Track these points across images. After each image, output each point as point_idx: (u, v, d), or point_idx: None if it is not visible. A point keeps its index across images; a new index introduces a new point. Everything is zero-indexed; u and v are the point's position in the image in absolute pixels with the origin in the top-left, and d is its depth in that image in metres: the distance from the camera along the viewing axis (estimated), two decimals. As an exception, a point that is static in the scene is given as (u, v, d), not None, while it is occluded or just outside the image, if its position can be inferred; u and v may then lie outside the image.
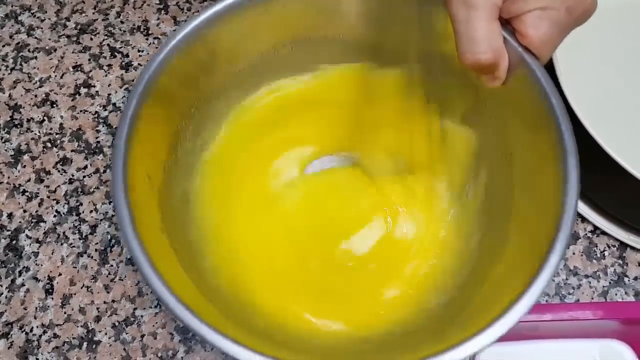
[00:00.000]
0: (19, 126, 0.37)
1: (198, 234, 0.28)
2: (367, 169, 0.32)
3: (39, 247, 0.34)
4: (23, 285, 0.33)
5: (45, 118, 0.37)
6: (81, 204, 0.35)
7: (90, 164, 0.36)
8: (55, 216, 0.35)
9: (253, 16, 0.26)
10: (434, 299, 0.28)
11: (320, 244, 0.31)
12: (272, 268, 0.30)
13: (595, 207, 0.34)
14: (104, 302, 0.32)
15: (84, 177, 0.36)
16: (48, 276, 0.33)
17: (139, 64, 0.39)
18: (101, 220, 0.34)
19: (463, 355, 0.19)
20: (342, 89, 0.31)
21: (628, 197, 0.32)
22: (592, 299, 0.33)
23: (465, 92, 0.28)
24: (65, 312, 0.32)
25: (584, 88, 0.33)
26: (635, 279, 0.33)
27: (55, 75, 0.39)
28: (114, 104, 0.38)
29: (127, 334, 0.32)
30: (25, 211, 0.35)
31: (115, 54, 0.39)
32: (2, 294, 0.33)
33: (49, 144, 0.37)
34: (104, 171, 0.36)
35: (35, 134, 0.37)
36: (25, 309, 0.32)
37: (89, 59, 0.39)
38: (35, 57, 0.39)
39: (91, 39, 0.40)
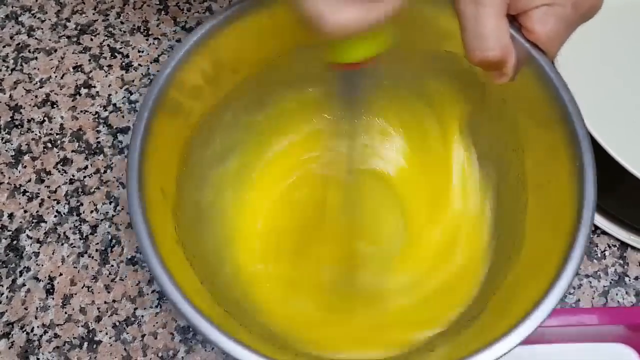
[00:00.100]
0: (19, 127, 0.37)
1: (212, 244, 0.28)
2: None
3: (40, 247, 0.34)
4: (24, 285, 0.33)
5: (45, 118, 0.37)
6: (82, 204, 0.35)
7: (91, 164, 0.36)
8: (55, 216, 0.35)
9: (257, 24, 0.26)
10: (448, 308, 0.27)
11: (338, 253, 0.31)
12: (287, 277, 0.30)
13: (595, 207, 0.34)
14: (105, 302, 0.32)
15: (85, 177, 0.36)
16: (49, 276, 0.33)
17: (139, 65, 0.39)
18: (102, 220, 0.34)
19: None
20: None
21: (629, 197, 0.32)
22: (593, 298, 0.33)
23: (469, 91, 0.28)
24: (66, 312, 0.32)
25: (585, 88, 0.33)
26: (636, 278, 0.33)
27: (56, 76, 0.39)
28: (115, 105, 0.38)
29: (127, 333, 0.32)
30: (25, 211, 0.35)
31: (116, 54, 0.39)
32: (2, 294, 0.33)
33: (49, 145, 0.37)
34: (105, 171, 0.36)
35: (35, 134, 0.37)
36: (26, 309, 0.32)
37: (89, 60, 0.39)
38: (36, 58, 0.39)
39: (91, 39, 0.40)
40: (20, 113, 0.38)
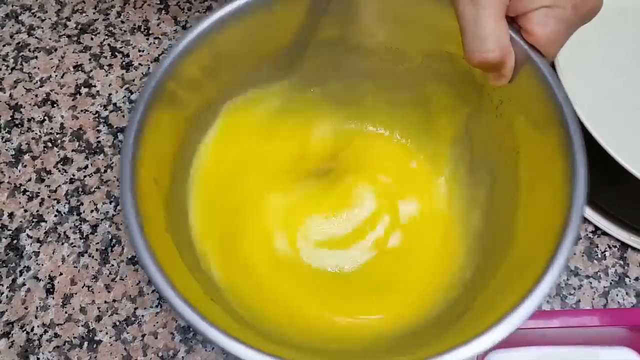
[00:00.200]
0: (19, 126, 0.37)
1: (200, 235, 0.28)
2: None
3: (40, 246, 0.34)
4: (24, 284, 0.33)
5: (45, 118, 0.37)
6: (82, 204, 0.35)
7: (91, 164, 0.36)
8: (56, 216, 0.35)
9: (257, 18, 0.26)
10: (440, 300, 0.27)
11: (326, 241, 0.31)
12: (276, 268, 0.30)
13: (596, 207, 0.34)
14: (105, 302, 0.32)
15: (85, 176, 0.36)
16: (49, 276, 0.33)
17: (139, 64, 0.39)
18: (102, 220, 0.34)
19: (464, 356, 0.19)
20: (344, 99, 0.31)
21: (629, 198, 0.32)
22: (593, 299, 0.33)
23: (467, 93, 0.28)
24: (66, 312, 0.32)
25: (585, 88, 0.33)
26: (636, 279, 0.33)
27: (56, 75, 0.39)
28: (115, 104, 0.38)
29: (128, 333, 0.32)
30: (26, 211, 0.35)
31: (116, 53, 0.39)
32: (3, 293, 0.33)
33: (49, 144, 0.37)
34: (105, 171, 0.36)
35: (36, 133, 0.37)
36: (26, 308, 0.32)
37: (90, 59, 0.39)
38: (36, 57, 0.39)
39: (92, 38, 0.40)
40: (21, 112, 0.38)
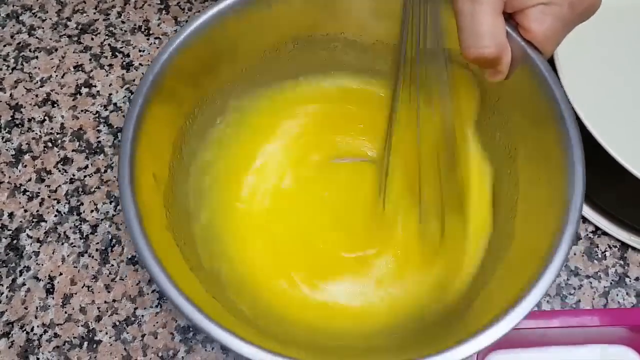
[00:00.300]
0: (20, 126, 0.37)
1: (202, 232, 0.28)
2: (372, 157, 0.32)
3: (40, 246, 0.34)
4: (24, 284, 0.33)
5: (46, 118, 0.37)
6: (82, 204, 0.35)
7: (91, 164, 0.36)
8: (56, 216, 0.35)
9: (255, 13, 0.26)
10: (439, 299, 0.27)
11: (333, 235, 0.31)
12: (277, 263, 0.30)
13: (596, 207, 0.34)
14: (105, 302, 0.32)
15: (85, 176, 0.36)
16: (49, 276, 0.33)
17: (140, 64, 0.39)
18: (102, 220, 0.34)
19: (465, 354, 0.19)
20: (341, 88, 0.31)
21: (629, 198, 0.32)
22: (593, 299, 0.33)
23: (465, 88, 0.28)
24: (65, 312, 0.32)
25: (585, 88, 0.33)
26: (637, 279, 0.33)
27: (56, 75, 0.39)
28: (115, 104, 0.38)
29: (127, 333, 0.32)
30: (26, 211, 0.35)
31: (116, 53, 0.39)
32: (3, 293, 0.33)
33: (49, 144, 0.37)
34: (105, 171, 0.36)
35: (36, 133, 0.37)
36: (26, 308, 0.32)
37: (90, 59, 0.39)
38: (36, 57, 0.39)
39: (92, 38, 0.40)
40: (21, 112, 0.38)
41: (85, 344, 0.31)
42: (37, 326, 0.32)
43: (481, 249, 0.28)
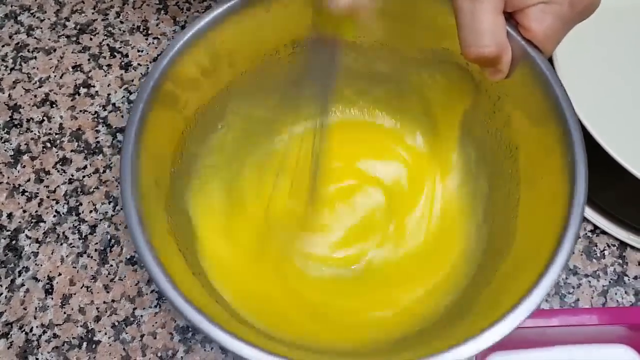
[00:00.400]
0: (18, 126, 0.37)
1: (203, 237, 0.28)
2: None
3: (39, 247, 0.34)
4: (23, 285, 0.33)
5: (44, 118, 0.37)
6: (81, 204, 0.35)
7: (90, 164, 0.36)
8: (54, 216, 0.35)
9: (254, 17, 0.26)
10: (441, 301, 0.27)
11: (329, 249, 0.31)
12: (278, 269, 0.30)
13: (595, 206, 0.34)
14: (104, 302, 0.32)
15: (84, 177, 0.36)
16: (48, 276, 0.33)
17: (138, 64, 0.39)
18: (101, 220, 0.34)
19: (466, 354, 0.19)
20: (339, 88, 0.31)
21: (628, 197, 0.32)
22: (592, 298, 0.33)
23: (464, 89, 0.28)
24: (65, 312, 0.32)
25: (585, 88, 0.33)
26: (635, 278, 0.33)
27: (55, 76, 0.39)
28: (114, 104, 0.38)
29: (126, 333, 0.32)
30: (24, 211, 0.35)
31: (115, 54, 0.39)
32: (1, 294, 0.33)
33: (48, 144, 0.37)
34: (104, 171, 0.36)
35: (34, 134, 0.37)
36: (25, 309, 0.32)
37: (89, 59, 0.39)
38: (35, 57, 0.39)
39: (91, 39, 0.40)
40: (20, 112, 0.38)
41: (85, 344, 0.31)
42: (36, 327, 0.32)
43: (480, 250, 0.28)
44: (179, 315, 0.31)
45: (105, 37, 0.40)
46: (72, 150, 0.36)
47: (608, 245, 0.34)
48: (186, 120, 0.27)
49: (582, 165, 0.22)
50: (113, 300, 0.32)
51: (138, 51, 0.39)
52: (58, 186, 0.35)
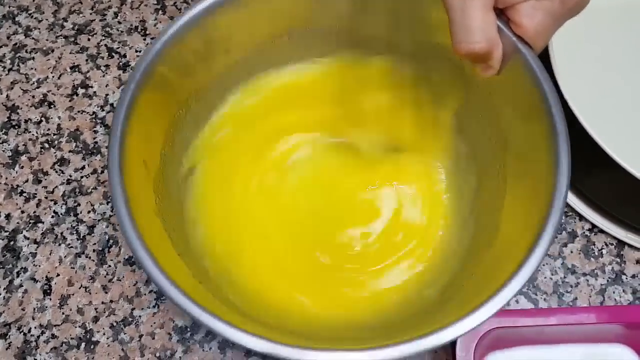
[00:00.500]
0: (16, 127, 0.37)
1: (193, 219, 0.28)
2: (360, 146, 0.33)
3: (37, 247, 0.34)
4: (21, 286, 0.33)
5: (42, 119, 0.37)
6: (79, 205, 0.35)
7: (88, 165, 0.36)
8: (53, 217, 0.35)
9: (249, 5, 0.26)
10: (425, 290, 0.28)
11: (318, 229, 0.31)
12: (267, 252, 0.30)
13: (593, 205, 0.34)
14: (102, 303, 0.32)
15: (82, 177, 0.36)
16: (46, 277, 0.33)
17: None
18: (99, 220, 0.34)
19: (447, 338, 0.20)
20: (335, 80, 0.32)
21: (626, 196, 0.32)
22: (590, 297, 0.33)
23: (456, 84, 0.28)
24: (63, 313, 0.32)
25: (582, 86, 0.33)
26: (633, 276, 0.33)
27: (53, 76, 0.39)
28: (112, 105, 0.38)
29: (125, 334, 0.32)
30: (23, 212, 0.35)
31: (113, 54, 0.39)
32: (0, 294, 0.33)
33: (46, 145, 0.37)
34: (102, 172, 0.36)
35: (32, 134, 0.37)
36: (23, 309, 0.32)
37: (87, 60, 0.39)
38: (33, 58, 0.39)
39: (89, 39, 0.40)
40: (18, 113, 0.38)
41: (83, 344, 0.31)
42: (35, 327, 0.32)
43: (466, 242, 0.28)
44: (176, 312, 0.31)
45: (103, 38, 0.40)
46: (70, 151, 0.36)
47: (606, 244, 0.34)
48: (179, 104, 0.27)
49: (565, 161, 0.22)
50: (111, 301, 0.32)
51: (136, 51, 0.39)
52: (56, 187, 0.35)
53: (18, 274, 0.33)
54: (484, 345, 0.28)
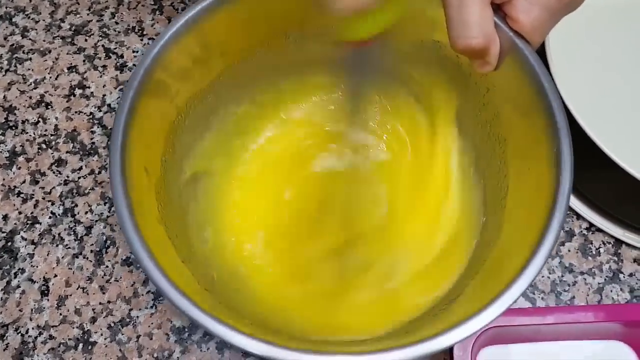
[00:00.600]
0: (13, 128, 0.37)
1: (195, 224, 0.28)
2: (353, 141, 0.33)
3: (34, 248, 0.34)
4: (18, 286, 0.33)
5: (40, 119, 0.37)
6: (76, 205, 0.35)
7: (85, 165, 0.36)
8: (50, 217, 0.35)
9: (245, 7, 0.26)
10: (432, 291, 0.28)
11: (322, 230, 0.31)
12: (270, 255, 0.30)
13: (590, 204, 0.34)
14: (100, 303, 0.32)
15: (79, 178, 0.36)
16: (43, 277, 0.33)
17: (133, 65, 0.39)
18: (96, 221, 0.34)
19: (456, 338, 0.20)
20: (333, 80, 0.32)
21: (623, 194, 0.32)
22: (588, 295, 0.33)
23: (454, 82, 0.28)
24: (60, 314, 0.32)
25: (579, 86, 0.34)
26: (630, 275, 0.33)
27: (50, 77, 0.39)
28: (109, 105, 0.38)
29: (122, 334, 0.32)
30: (20, 213, 0.35)
31: (110, 54, 0.39)
32: (-3, 295, 0.33)
33: (44, 146, 0.37)
34: (99, 172, 0.36)
35: (30, 135, 0.37)
36: (20, 310, 0.32)
37: (84, 60, 0.39)
38: (30, 59, 0.39)
39: (86, 40, 0.40)
40: (15, 114, 0.38)
41: (81, 345, 0.31)
42: (32, 328, 0.32)
43: (470, 241, 0.28)
44: (175, 314, 0.31)
45: (101, 38, 0.40)
46: (67, 152, 0.36)
47: (603, 243, 0.34)
48: (178, 110, 0.27)
49: (567, 155, 0.22)
50: (109, 301, 0.32)
51: (133, 52, 0.39)
52: (53, 187, 0.35)
53: (15, 274, 0.33)
54: (480, 342, 0.28)
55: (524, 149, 0.25)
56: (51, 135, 0.37)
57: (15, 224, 0.34)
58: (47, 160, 0.36)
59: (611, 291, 0.33)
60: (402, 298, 0.28)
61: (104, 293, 0.32)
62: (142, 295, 0.32)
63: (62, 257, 0.33)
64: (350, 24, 0.21)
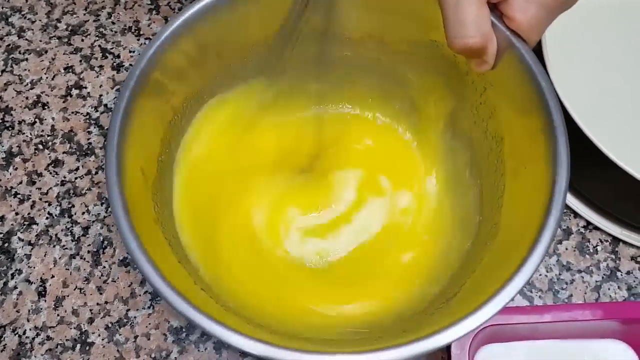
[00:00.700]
0: (10, 128, 0.37)
1: (182, 227, 0.28)
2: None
3: (31, 249, 0.34)
4: (15, 287, 0.33)
5: (36, 120, 0.37)
6: (73, 206, 0.35)
7: (82, 166, 0.36)
8: (47, 218, 0.34)
9: (242, 8, 0.26)
10: (428, 288, 0.28)
11: (314, 233, 0.31)
12: (257, 259, 0.30)
13: (588, 202, 0.34)
14: (97, 304, 0.32)
15: (76, 178, 0.36)
16: (41, 278, 0.33)
17: (130, 65, 0.39)
18: (93, 221, 0.34)
19: (454, 337, 0.20)
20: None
21: (621, 193, 0.33)
22: (585, 293, 0.33)
23: (451, 81, 0.28)
24: (58, 314, 0.32)
25: (576, 85, 0.34)
26: (628, 273, 0.33)
27: (47, 77, 0.39)
28: (106, 105, 0.38)
29: (120, 335, 0.31)
30: (17, 214, 0.35)
31: (107, 55, 0.39)
32: (-6, 296, 0.32)
33: (40, 146, 0.37)
34: (96, 173, 0.36)
35: (26, 136, 0.37)
36: (18, 311, 0.32)
37: (80, 60, 0.39)
38: (26, 59, 0.39)
39: (82, 40, 0.40)
40: (11, 115, 0.37)
41: (78, 346, 0.31)
42: (30, 329, 0.32)
43: (466, 240, 0.28)
44: (173, 315, 0.31)
45: (97, 38, 0.40)
46: (64, 152, 0.36)
47: (601, 241, 0.34)
48: (174, 110, 0.27)
49: (564, 154, 0.22)
50: (106, 302, 0.32)
51: (130, 52, 0.39)
52: (50, 188, 0.35)
53: (12, 275, 0.33)
54: (478, 341, 0.28)
55: (520, 147, 0.25)
56: (48, 135, 0.37)
57: (12, 224, 0.34)
58: (43, 161, 0.36)
59: (609, 289, 0.33)
60: (395, 299, 0.28)
61: (101, 294, 0.32)
62: (140, 295, 0.32)
63: (59, 258, 0.33)
64: None
